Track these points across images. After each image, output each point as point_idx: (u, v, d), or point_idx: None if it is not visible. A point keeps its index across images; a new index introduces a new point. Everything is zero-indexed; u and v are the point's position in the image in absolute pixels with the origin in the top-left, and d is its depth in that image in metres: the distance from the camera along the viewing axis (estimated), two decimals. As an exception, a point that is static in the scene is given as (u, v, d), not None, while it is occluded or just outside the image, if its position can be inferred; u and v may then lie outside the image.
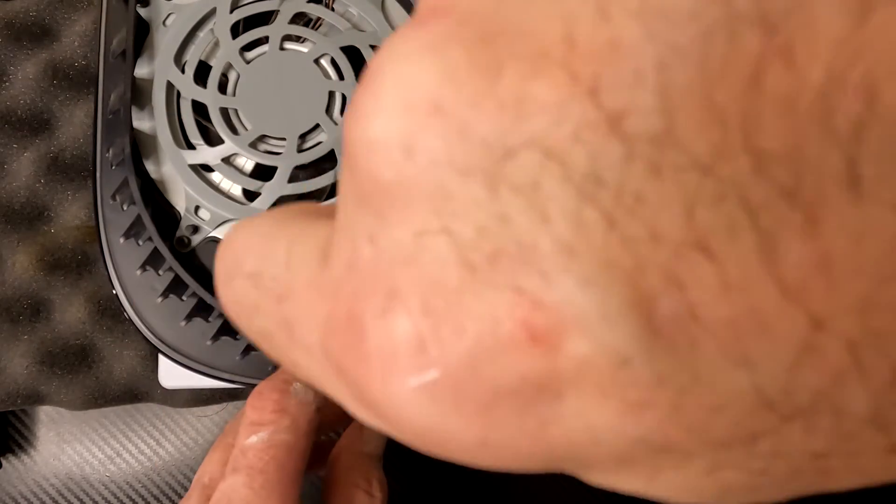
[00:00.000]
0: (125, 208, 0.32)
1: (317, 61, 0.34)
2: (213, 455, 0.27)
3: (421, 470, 0.42)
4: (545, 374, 0.09)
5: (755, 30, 0.08)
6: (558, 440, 0.10)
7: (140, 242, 0.32)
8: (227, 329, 0.32)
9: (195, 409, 0.41)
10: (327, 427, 0.30)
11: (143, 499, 0.42)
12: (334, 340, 0.11)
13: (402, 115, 0.10)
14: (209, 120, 0.33)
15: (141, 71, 0.34)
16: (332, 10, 0.35)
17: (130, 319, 0.32)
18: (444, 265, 0.10)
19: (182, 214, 0.33)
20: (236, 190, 0.34)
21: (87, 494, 0.42)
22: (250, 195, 0.33)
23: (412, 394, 0.10)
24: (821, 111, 0.08)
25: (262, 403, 0.25)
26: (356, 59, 0.34)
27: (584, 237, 0.09)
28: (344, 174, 0.11)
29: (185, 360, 0.32)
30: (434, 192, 0.10)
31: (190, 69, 0.34)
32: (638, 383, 0.09)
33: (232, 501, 0.23)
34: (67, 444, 0.42)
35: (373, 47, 0.35)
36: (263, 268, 0.13)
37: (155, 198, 0.33)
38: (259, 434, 0.24)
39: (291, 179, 0.33)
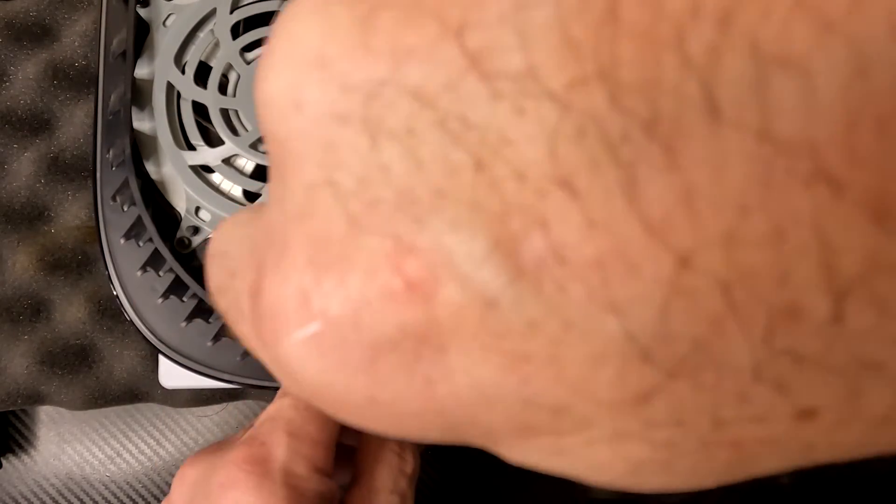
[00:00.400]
0: (125, 209, 0.32)
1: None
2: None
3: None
4: (424, 324, 0.09)
5: None
6: (447, 400, 0.10)
7: (140, 243, 0.32)
8: (228, 330, 0.32)
9: (195, 409, 0.41)
10: None
11: (143, 499, 0.42)
12: (251, 304, 0.12)
13: (290, 71, 0.10)
14: (209, 121, 0.33)
15: (141, 71, 0.34)
16: (333, 10, 0.35)
17: (131, 320, 0.32)
18: (328, 217, 0.10)
19: (182, 215, 0.33)
20: (237, 191, 0.34)
21: (87, 494, 0.42)
22: (251, 196, 0.33)
23: (299, 348, 0.10)
24: (676, 40, 0.08)
25: None
26: (356, 60, 0.34)
27: (454, 180, 0.09)
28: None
29: (186, 361, 0.32)
30: (320, 146, 0.10)
31: (190, 70, 0.34)
32: (510, 331, 0.09)
33: (275, 421, 0.24)
34: (67, 444, 0.42)
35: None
36: (227, 249, 0.14)
37: (155, 199, 0.33)
38: None
39: (292, 180, 0.33)
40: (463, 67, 0.09)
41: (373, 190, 0.09)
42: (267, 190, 0.33)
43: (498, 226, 0.09)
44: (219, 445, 0.26)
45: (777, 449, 0.10)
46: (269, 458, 0.23)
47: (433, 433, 0.11)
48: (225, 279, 0.14)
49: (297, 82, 0.10)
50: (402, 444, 0.27)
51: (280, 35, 0.10)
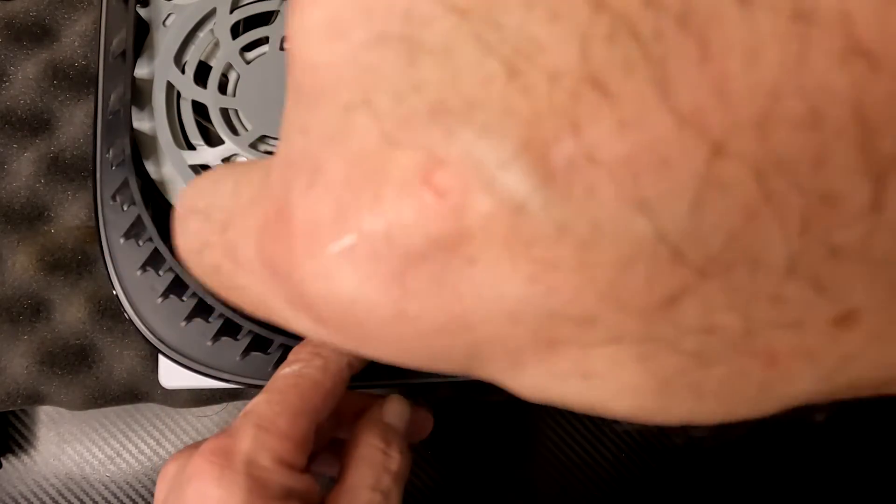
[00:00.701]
0: (125, 209, 0.32)
1: (317, 62, 0.34)
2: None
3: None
4: (454, 236, 0.09)
5: None
6: (474, 313, 0.10)
7: (140, 243, 0.32)
8: (228, 330, 0.32)
9: (195, 409, 0.41)
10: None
11: (143, 499, 0.42)
12: (266, 237, 0.12)
13: (334, 1, 0.10)
14: (209, 120, 0.33)
15: (141, 71, 0.34)
16: (333, 10, 0.35)
17: (130, 320, 0.32)
18: (364, 136, 0.10)
19: (182, 215, 0.33)
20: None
21: (87, 494, 0.42)
22: (250, 196, 0.33)
23: (332, 261, 0.10)
24: None
25: (301, 347, 0.27)
26: (356, 60, 0.34)
27: (486, 89, 0.09)
28: (287, 77, 0.12)
29: (186, 361, 0.32)
30: (360, 66, 0.10)
31: (190, 69, 0.34)
32: (538, 237, 0.09)
33: (248, 415, 0.24)
34: (67, 444, 0.42)
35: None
36: (212, 202, 0.14)
37: (155, 198, 0.33)
38: (292, 366, 0.26)
39: (291, 180, 0.33)
40: None
41: (407, 105, 0.09)
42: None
43: (528, 130, 0.09)
44: (200, 442, 0.26)
45: (813, 363, 0.09)
46: (233, 449, 0.23)
47: (457, 355, 0.11)
48: (211, 234, 0.13)
49: (343, 11, 0.10)
50: (388, 441, 0.26)
51: None
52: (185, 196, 0.15)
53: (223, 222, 0.13)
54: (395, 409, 0.29)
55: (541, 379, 0.11)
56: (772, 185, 0.08)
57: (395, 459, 0.26)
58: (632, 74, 0.08)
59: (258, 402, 0.25)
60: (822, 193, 0.08)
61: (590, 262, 0.09)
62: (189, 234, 0.14)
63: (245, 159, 0.33)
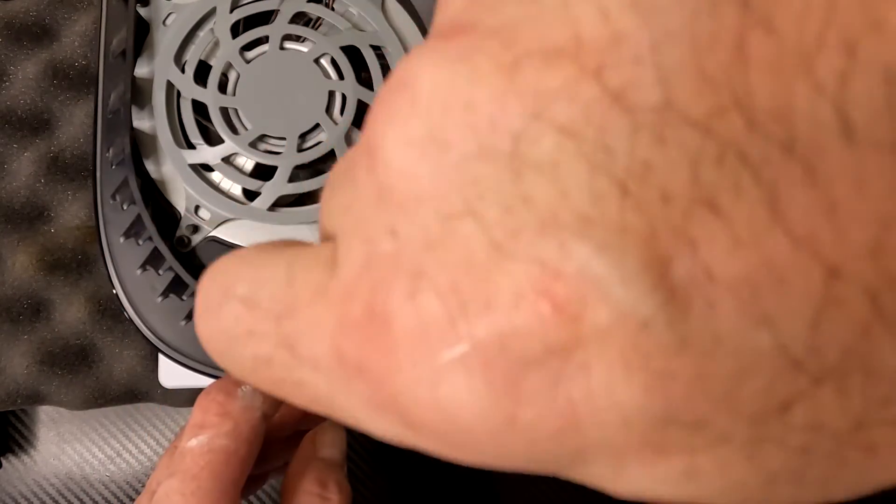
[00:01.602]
0: (125, 208, 0.32)
1: (317, 61, 0.34)
2: (163, 460, 0.26)
3: (407, 473, 0.42)
4: (569, 344, 0.10)
5: (732, 5, 0.09)
6: (587, 420, 0.10)
7: (140, 242, 0.32)
8: (227, 329, 0.32)
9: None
10: (281, 430, 0.28)
11: (143, 499, 0.42)
12: (350, 340, 0.11)
13: (440, 115, 0.10)
14: (209, 119, 0.33)
15: (141, 70, 0.34)
16: (333, 9, 0.35)
17: (130, 319, 0.32)
18: (470, 245, 0.10)
19: (182, 214, 0.33)
20: (236, 189, 0.34)
21: (87, 494, 0.42)
22: (250, 195, 0.33)
23: (443, 370, 0.10)
24: (805, 68, 0.09)
25: (206, 404, 0.24)
26: (356, 59, 0.34)
27: (600, 206, 0.09)
28: (360, 179, 0.12)
29: (186, 360, 0.32)
30: (464, 179, 0.10)
31: (190, 69, 0.34)
32: (659, 348, 0.09)
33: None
34: (67, 444, 0.42)
35: (373, 47, 0.35)
36: (259, 290, 0.13)
37: (155, 197, 0.33)
38: (199, 437, 0.23)
39: (291, 179, 0.33)
40: (605, 103, 0.09)
41: (516, 218, 0.10)
42: (268, 189, 0.33)
43: (646, 248, 0.09)
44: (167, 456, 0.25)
45: None
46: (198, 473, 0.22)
47: (559, 460, 0.11)
48: (258, 323, 0.13)
49: (447, 125, 0.10)
50: (323, 482, 0.25)
51: (423, 80, 0.11)
52: (216, 278, 0.14)
53: (278, 314, 0.13)
54: (329, 441, 0.27)
55: (643, 482, 0.11)
56: (884, 302, 0.09)
57: (334, 500, 0.25)
58: (743, 196, 0.09)
59: (170, 491, 0.23)
60: None
61: (709, 373, 0.09)
62: (226, 321, 0.14)
63: (245, 158, 0.33)
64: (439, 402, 0.11)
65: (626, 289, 0.09)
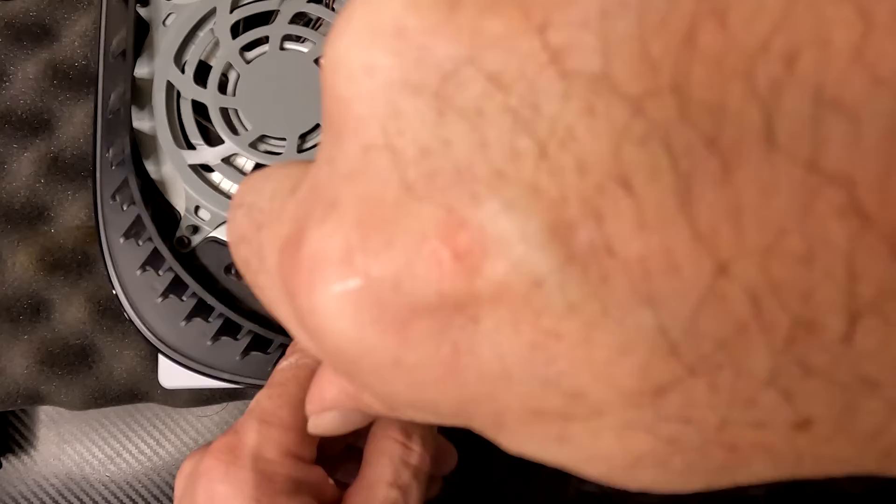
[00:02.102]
0: (125, 208, 0.32)
1: (317, 61, 0.34)
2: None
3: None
4: (463, 294, 0.10)
5: None
6: (470, 371, 0.10)
7: (140, 242, 0.32)
8: (227, 329, 0.32)
9: (195, 409, 0.41)
10: None
11: (143, 499, 0.42)
12: (283, 256, 0.12)
13: (367, 37, 0.10)
14: (209, 120, 0.33)
15: (141, 71, 0.34)
16: (333, 10, 0.35)
17: (130, 319, 0.32)
18: (383, 180, 0.10)
19: (182, 214, 0.33)
20: (236, 190, 0.34)
21: (87, 494, 0.42)
22: (250, 195, 0.33)
23: (334, 300, 0.11)
24: (745, 69, 0.09)
25: (296, 342, 0.27)
26: (356, 59, 0.34)
27: (516, 164, 0.09)
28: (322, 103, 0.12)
29: (185, 361, 0.32)
30: (386, 110, 0.10)
31: (190, 69, 0.34)
32: (548, 310, 0.09)
33: (252, 410, 0.25)
34: (67, 444, 0.42)
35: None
36: (254, 200, 0.14)
37: (155, 198, 0.33)
38: (289, 359, 0.26)
39: (291, 179, 0.33)
40: (542, 61, 0.09)
41: (432, 161, 0.10)
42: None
43: (554, 212, 0.09)
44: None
45: (769, 456, 0.10)
46: (239, 445, 0.23)
47: (444, 408, 0.11)
48: (248, 229, 0.14)
49: (374, 48, 0.10)
50: (408, 433, 0.26)
51: (359, 2, 0.11)
52: (241, 188, 0.15)
53: (259, 223, 0.14)
54: (420, 434, 0.28)
55: (519, 440, 0.11)
56: (764, 306, 0.09)
57: (416, 453, 0.25)
58: (657, 180, 0.09)
59: (260, 397, 0.25)
60: (806, 320, 0.09)
61: (592, 340, 0.09)
62: (235, 223, 0.15)
63: (245, 159, 0.33)
64: (330, 332, 0.11)
65: (526, 246, 0.09)
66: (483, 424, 0.11)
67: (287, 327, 0.13)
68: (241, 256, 0.14)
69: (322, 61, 0.11)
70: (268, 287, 0.13)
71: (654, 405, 0.10)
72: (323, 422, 0.20)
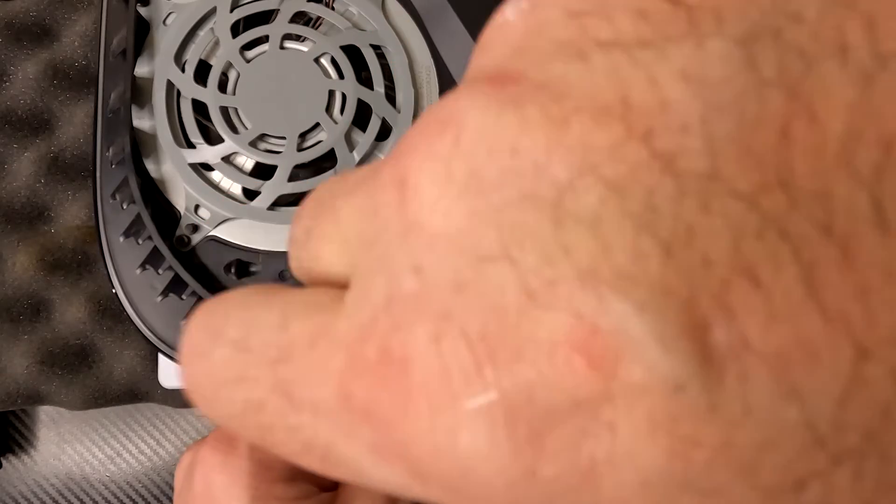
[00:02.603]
0: (125, 207, 0.32)
1: (317, 60, 0.34)
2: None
3: None
4: (599, 401, 0.10)
5: (779, 93, 0.09)
6: (607, 479, 0.10)
7: (140, 241, 0.32)
8: (227, 328, 0.32)
9: (195, 409, 0.41)
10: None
11: (143, 499, 0.42)
12: (360, 383, 0.11)
13: (484, 157, 0.10)
14: (209, 119, 0.33)
15: (141, 70, 0.34)
16: (333, 9, 0.35)
17: (130, 318, 0.32)
18: (503, 290, 0.10)
19: (182, 213, 0.33)
20: (236, 189, 0.34)
21: (87, 494, 0.42)
22: (250, 194, 0.33)
23: (466, 418, 0.10)
24: (845, 158, 0.09)
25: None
26: (356, 58, 0.34)
27: (642, 265, 0.09)
28: (383, 214, 0.12)
29: (185, 360, 0.32)
30: (501, 225, 0.10)
31: (190, 68, 0.34)
32: (690, 414, 0.09)
33: None
34: (67, 444, 0.42)
35: (373, 46, 0.35)
36: (252, 334, 0.13)
37: (155, 197, 0.33)
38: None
39: (291, 178, 0.33)
40: (652, 166, 0.10)
41: (554, 268, 0.10)
42: (268, 188, 0.33)
43: (685, 311, 0.09)
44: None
45: None
46: (235, 434, 0.23)
47: None
48: (247, 370, 0.13)
49: (488, 168, 0.10)
50: (373, 499, 0.25)
51: (469, 122, 0.11)
52: (204, 321, 0.14)
53: (273, 358, 0.12)
54: None
55: None
56: None
57: None
58: (781, 271, 0.09)
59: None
60: None
61: (735, 442, 0.09)
62: (215, 366, 0.13)
63: (245, 157, 0.33)
64: (457, 452, 0.10)
65: (664, 351, 0.09)
66: None
67: (348, 468, 0.12)
68: (242, 399, 0.13)
69: (413, 176, 0.11)
70: (311, 425, 0.12)
71: (794, 497, 0.10)
72: None
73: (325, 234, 0.14)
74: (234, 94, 0.34)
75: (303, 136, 0.34)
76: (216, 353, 0.13)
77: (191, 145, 0.34)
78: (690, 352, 0.09)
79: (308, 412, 0.12)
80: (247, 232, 0.33)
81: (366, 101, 0.34)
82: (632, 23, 0.10)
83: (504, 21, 0.12)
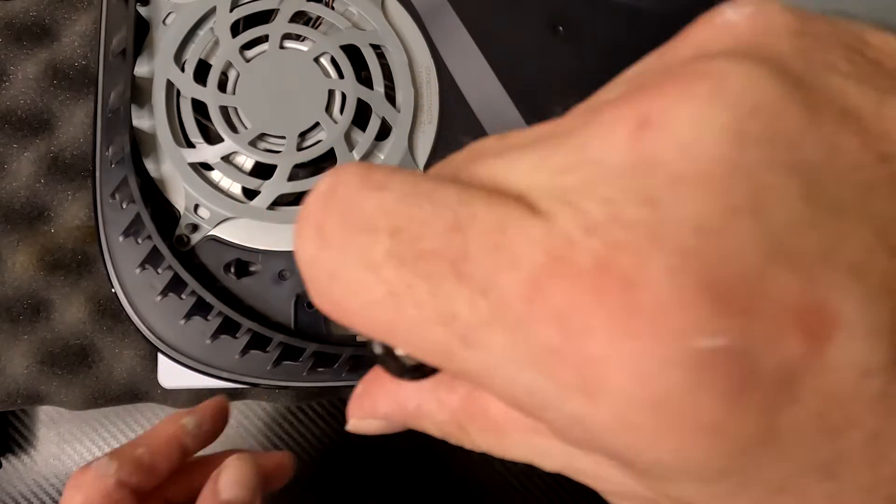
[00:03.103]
0: (125, 207, 0.32)
1: (316, 60, 0.34)
2: None
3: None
4: (800, 372, 0.10)
5: None
6: (786, 447, 0.11)
7: (139, 241, 0.32)
8: (226, 327, 0.32)
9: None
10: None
11: (143, 499, 0.42)
12: (561, 284, 0.11)
13: (749, 113, 0.11)
14: (209, 118, 0.33)
15: (141, 70, 0.34)
16: (332, 8, 0.35)
17: (129, 318, 0.32)
18: (745, 243, 0.11)
19: (181, 213, 0.33)
20: (236, 188, 0.34)
21: (87, 495, 0.42)
22: (250, 193, 0.33)
23: (687, 356, 0.10)
24: None
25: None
26: (356, 58, 0.34)
27: (870, 257, 0.10)
28: (595, 146, 0.12)
29: (184, 359, 0.32)
30: (757, 182, 0.11)
31: (190, 68, 0.34)
32: (858, 401, 0.10)
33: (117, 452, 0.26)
34: (67, 444, 0.42)
35: (373, 46, 0.35)
36: (417, 227, 0.12)
37: (154, 196, 0.33)
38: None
39: (291, 178, 0.33)
40: None
41: (802, 238, 0.11)
42: (268, 187, 0.33)
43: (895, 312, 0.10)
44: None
45: None
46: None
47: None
48: (422, 263, 0.12)
49: (744, 120, 0.11)
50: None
51: (729, 76, 0.11)
52: (341, 203, 0.12)
53: (448, 223, 0.12)
54: (231, 479, 0.28)
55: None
56: None
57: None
58: None
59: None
60: None
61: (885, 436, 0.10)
62: (371, 253, 0.12)
63: (244, 157, 0.33)
64: (659, 384, 0.10)
65: (872, 339, 0.10)
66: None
67: (465, 360, 0.12)
68: (392, 290, 0.12)
69: (663, 115, 0.11)
70: (465, 304, 0.11)
71: None
72: (365, 426, 0.18)
73: (498, 162, 0.13)
74: (233, 93, 0.34)
75: (302, 135, 0.34)
76: (370, 240, 0.12)
77: (190, 145, 0.34)
78: (890, 345, 0.10)
79: (470, 288, 0.11)
80: (246, 231, 0.33)
81: (365, 100, 0.34)
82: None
83: (725, 20, 0.13)
